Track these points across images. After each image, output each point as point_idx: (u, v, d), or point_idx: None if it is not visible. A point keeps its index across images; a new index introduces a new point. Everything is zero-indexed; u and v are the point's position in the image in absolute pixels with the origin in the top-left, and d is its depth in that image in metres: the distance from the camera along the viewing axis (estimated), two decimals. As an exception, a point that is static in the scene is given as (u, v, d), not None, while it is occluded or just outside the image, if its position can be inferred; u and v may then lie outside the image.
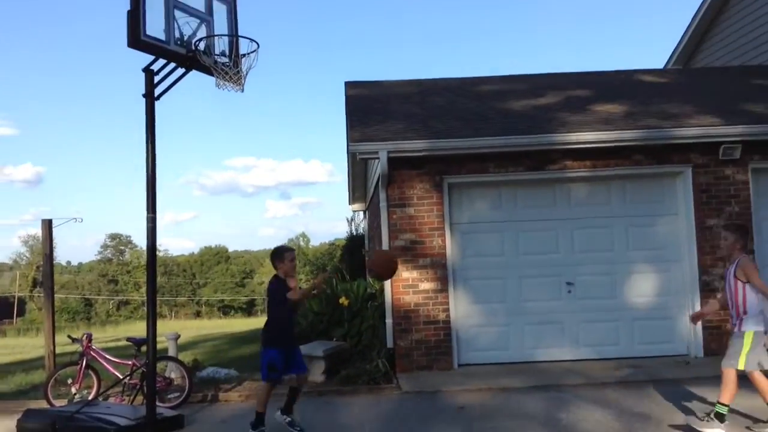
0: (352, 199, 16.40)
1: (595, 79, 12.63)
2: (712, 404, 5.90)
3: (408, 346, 8.70)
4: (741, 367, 5.68)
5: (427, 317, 8.74)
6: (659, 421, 6.15)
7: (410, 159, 8.83)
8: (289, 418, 6.26)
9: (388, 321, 8.76)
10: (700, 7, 15.18)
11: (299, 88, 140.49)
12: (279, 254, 6.19)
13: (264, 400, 6.15)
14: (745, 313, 5.73)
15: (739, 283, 5.78)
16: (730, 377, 5.71)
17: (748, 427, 5.83)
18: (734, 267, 5.86)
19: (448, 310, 8.78)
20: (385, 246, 8.85)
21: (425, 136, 9.00)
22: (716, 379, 7.42)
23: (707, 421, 5.66)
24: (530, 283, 9.13)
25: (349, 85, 12.31)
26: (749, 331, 5.70)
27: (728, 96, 10.63)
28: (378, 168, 8.95)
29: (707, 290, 8.81)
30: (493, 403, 7.06)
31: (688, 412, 6.23)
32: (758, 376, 5.67)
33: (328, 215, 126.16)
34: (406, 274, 8.77)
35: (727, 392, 5.69)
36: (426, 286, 8.79)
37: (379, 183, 8.99)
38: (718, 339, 8.72)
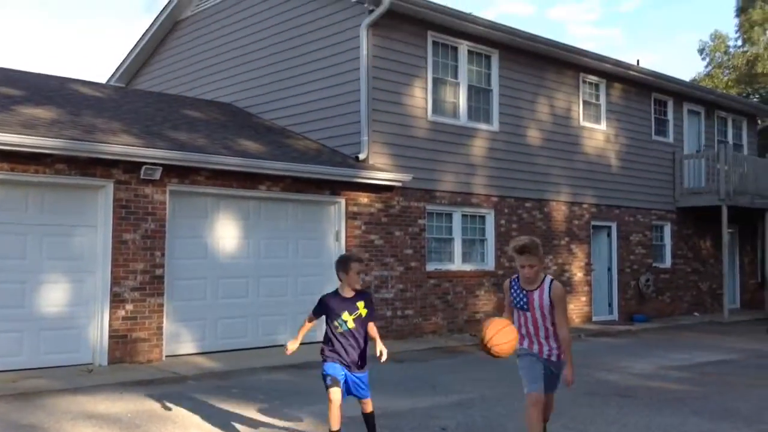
0: None
1: (27, 78, 12.07)
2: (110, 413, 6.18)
3: None
4: None
5: None
6: (45, 430, 6.16)
7: None
8: None
9: None
10: (146, 31, 16.12)
11: None
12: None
13: None
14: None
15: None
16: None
17: None
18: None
19: None
20: None
21: None
22: (115, 386, 7.89)
23: None
24: None
25: None
26: None
27: (158, 120, 11.49)
28: None
29: (117, 300, 9.26)
30: None
31: (76, 418, 6.42)
32: None
33: None
34: None
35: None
36: None
37: None
38: (122, 347, 9.23)
